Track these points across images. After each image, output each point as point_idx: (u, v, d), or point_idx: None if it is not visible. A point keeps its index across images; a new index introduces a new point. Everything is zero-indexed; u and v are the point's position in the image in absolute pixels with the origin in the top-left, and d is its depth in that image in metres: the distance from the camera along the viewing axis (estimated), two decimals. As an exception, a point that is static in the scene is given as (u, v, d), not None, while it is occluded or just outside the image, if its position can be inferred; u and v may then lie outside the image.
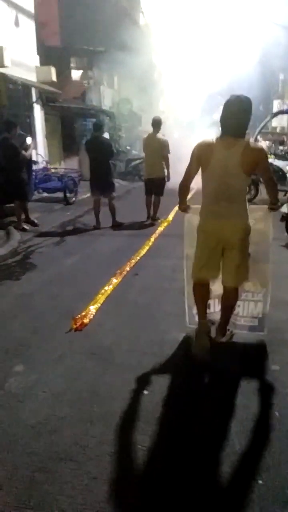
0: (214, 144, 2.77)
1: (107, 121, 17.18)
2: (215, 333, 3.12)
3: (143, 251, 5.64)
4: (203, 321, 3.01)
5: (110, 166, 7.24)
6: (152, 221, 7.57)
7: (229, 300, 3.04)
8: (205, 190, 2.87)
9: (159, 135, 7.36)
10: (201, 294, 3.01)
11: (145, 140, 7.60)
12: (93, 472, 1.96)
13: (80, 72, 16.72)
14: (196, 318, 3.09)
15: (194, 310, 3.16)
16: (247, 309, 3.23)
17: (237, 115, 2.72)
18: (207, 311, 3.11)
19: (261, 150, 2.87)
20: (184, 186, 3.05)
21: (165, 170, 7.41)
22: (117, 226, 7.20)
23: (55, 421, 2.31)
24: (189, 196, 3.15)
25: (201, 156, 2.82)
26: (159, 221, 7.56)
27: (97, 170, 7.03)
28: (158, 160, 7.34)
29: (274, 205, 3.02)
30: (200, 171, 2.89)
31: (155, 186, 7.46)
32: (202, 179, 2.90)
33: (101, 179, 7.07)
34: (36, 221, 7.42)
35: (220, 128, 2.81)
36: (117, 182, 13.58)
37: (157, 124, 7.33)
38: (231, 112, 2.72)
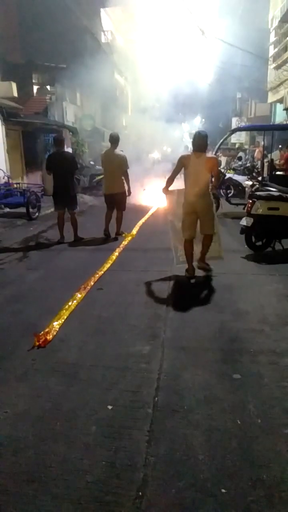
0: (190, 156, 4.96)
1: (70, 136, 17.18)
2: (197, 264, 5.20)
3: (107, 265, 5.65)
4: (190, 262, 5.09)
5: (73, 180, 7.21)
6: (116, 235, 7.57)
7: (206, 242, 5.13)
8: (186, 181, 4.99)
9: (117, 150, 7.33)
10: (189, 247, 5.06)
11: (103, 156, 7.52)
12: (56, 491, 1.93)
13: (42, 87, 16.72)
14: (180, 259, 5.26)
15: (179, 253, 5.29)
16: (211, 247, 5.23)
17: (200, 141, 4.89)
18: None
19: (215, 158, 5.24)
20: (171, 179, 5.11)
21: (125, 185, 7.42)
22: (78, 240, 7.18)
23: (17, 441, 2.26)
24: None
25: (184, 162, 4.94)
26: (123, 235, 7.60)
27: (61, 184, 7.01)
28: (117, 176, 7.30)
29: (214, 187, 5.31)
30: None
31: (116, 201, 7.46)
32: (184, 175, 4.98)
33: (66, 193, 7.05)
34: (-3, 237, 7.27)
35: (191, 147, 5.07)
36: (81, 197, 13.60)
37: (114, 140, 7.30)
38: (197, 139, 4.91)
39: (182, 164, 4.94)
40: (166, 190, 5.12)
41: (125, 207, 7.64)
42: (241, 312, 3.98)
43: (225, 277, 5.12)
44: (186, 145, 24.20)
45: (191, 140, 5.03)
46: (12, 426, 2.38)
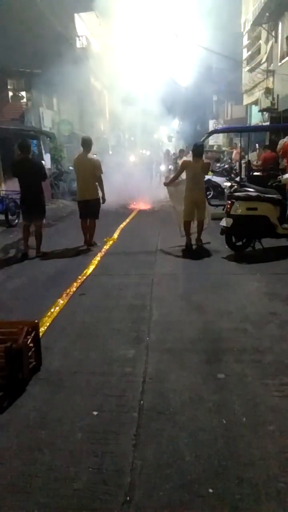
0: (190, 161, 6.84)
1: (48, 142, 17.07)
2: (194, 242, 6.76)
3: (89, 270, 5.62)
4: (188, 236, 6.75)
5: (41, 189, 6.75)
6: (88, 246, 7.07)
7: (200, 225, 6.73)
8: (187, 180, 6.70)
9: (90, 155, 7.09)
10: (188, 226, 6.75)
11: (75, 161, 7.26)
12: (43, 501, 1.90)
13: (18, 93, 16.57)
14: (183, 233, 6.82)
15: (181, 228, 6.89)
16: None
17: (198, 149, 6.79)
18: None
19: (208, 162, 7.43)
20: (174, 179, 7.18)
21: (99, 191, 7.08)
22: (40, 256, 6.55)
23: (1, 452, 2.22)
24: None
25: (186, 165, 6.83)
26: (94, 247, 7.07)
27: (29, 193, 6.59)
28: (91, 181, 6.99)
29: None
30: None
31: (89, 208, 7.05)
32: (186, 175, 6.73)
33: (33, 203, 6.59)
34: (-24, 245, 7.12)
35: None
36: (61, 203, 13.55)
37: (86, 143, 7.03)
38: (195, 148, 6.79)
39: (183, 168, 6.82)
40: (167, 183, 7.27)
41: (98, 215, 7.20)
42: (223, 312, 4.01)
43: (207, 277, 5.17)
44: (167, 149, 24.25)
45: (192, 149, 7.00)
46: (-5, 437, 2.34)
